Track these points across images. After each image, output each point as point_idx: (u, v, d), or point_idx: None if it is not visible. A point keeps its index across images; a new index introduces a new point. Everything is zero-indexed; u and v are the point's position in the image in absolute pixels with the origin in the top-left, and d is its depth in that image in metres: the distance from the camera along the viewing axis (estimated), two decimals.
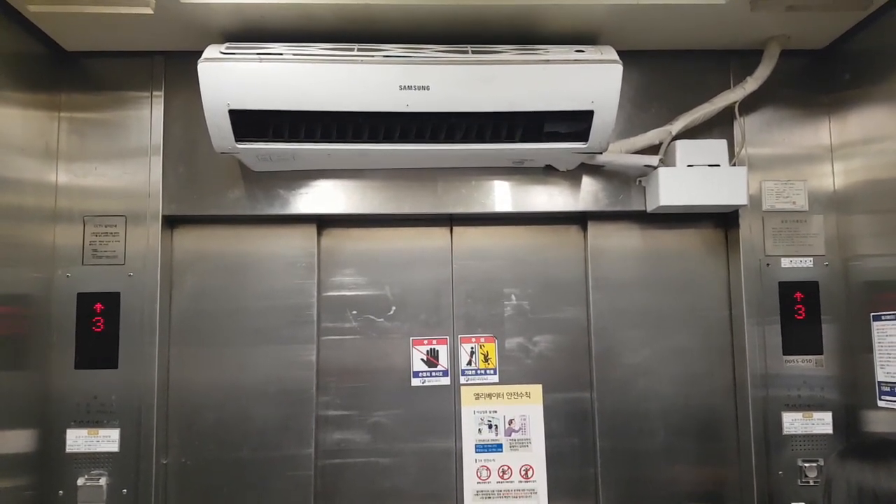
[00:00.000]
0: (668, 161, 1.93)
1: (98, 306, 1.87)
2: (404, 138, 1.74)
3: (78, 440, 1.84)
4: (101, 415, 1.85)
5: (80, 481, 1.82)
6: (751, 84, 1.94)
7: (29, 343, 1.79)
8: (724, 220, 2.07)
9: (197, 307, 1.99)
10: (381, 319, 2.04)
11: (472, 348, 2.03)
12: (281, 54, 1.67)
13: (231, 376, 1.97)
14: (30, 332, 1.79)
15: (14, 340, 1.73)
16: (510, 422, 2.01)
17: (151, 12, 1.67)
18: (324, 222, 2.05)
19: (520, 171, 1.99)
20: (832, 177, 2.00)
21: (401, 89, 1.67)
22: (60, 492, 1.83)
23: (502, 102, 1.70)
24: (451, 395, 2.02)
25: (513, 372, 2.03)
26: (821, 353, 1.95)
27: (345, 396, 2.01)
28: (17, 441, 1.75)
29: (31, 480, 1.79)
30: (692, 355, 2.04)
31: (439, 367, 2.02)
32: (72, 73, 1.93)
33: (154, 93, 1.94)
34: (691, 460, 2.01)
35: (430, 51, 1.70)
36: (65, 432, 1.84)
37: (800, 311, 1.96)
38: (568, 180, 2.00)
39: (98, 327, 1.86)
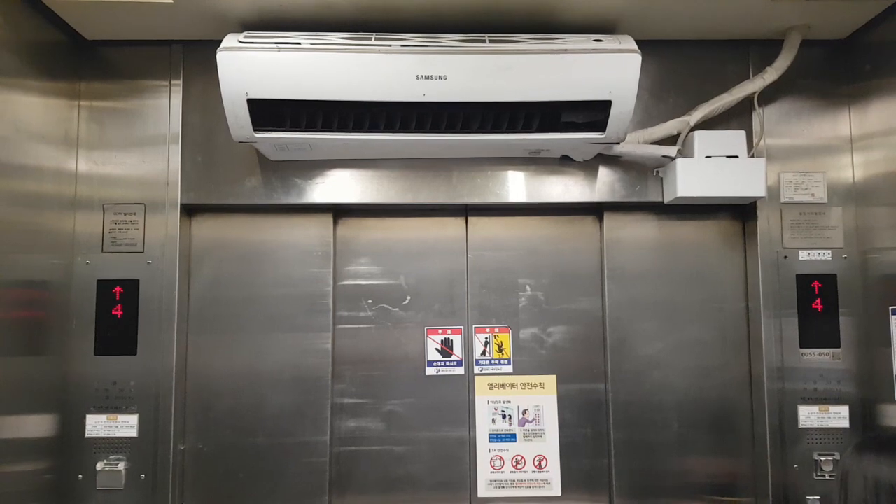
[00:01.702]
0: (686, 152, 1.92)
1: (117, 293, 1.89)
2: (421, 128, 1.74)
3: (97, 425, 1.87)
4: (120, 400, 1.87)
5: (99, 466, 1.84)
6: (770, 74, 1.92)
7: (49, 329, 1.81)
8: (741, 212, 2.06)
9: (214, 295, 2.01)
10: (396, 309, 2.05)
11: (486, 338, 2.04)
12: (299, 44, 1.67)
13: (247, 363, 1.99)
14: (50, 319, 1.81)
15: (34, 326, 1.76)
16: (524, 412, 2.01)
17: (171, 1, 1.68)
18: (340, 211, 2.06)
19: (536, 162, 1.99)
20: (851, 169, 1.98)
21: (418, 79, 1.66)
22: (80, 476, 1.85)
23: (519, 92, 1.69)
24: (466, 384, 2.03)
25: (527, 362, 2.04)
26: (838, 347, 1.93)
27: (360, 385, 2.02)
28: (38, 426, 1.78)
29: (50, 465, 1.82)
30: (708, 347, 2.04)
31: (454, 357, 2.03)
32: (91, 62, 1.95)
33: (173, 81, 1.95)
34: (705, 452, 2.01)
35: (448, 40, 1.70)
36: (84, 417, 1.87)
37: (817, 304, 1.94)
38: (584, 171, 1.99)
39: (117, 314, 1.88)
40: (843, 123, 2.00)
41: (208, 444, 1.97)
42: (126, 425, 1.87)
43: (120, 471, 1.84)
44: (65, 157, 1.89)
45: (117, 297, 1.88)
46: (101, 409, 1.87)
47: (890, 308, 1.81)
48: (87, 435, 1.86)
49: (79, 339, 1.88)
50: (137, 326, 1.88)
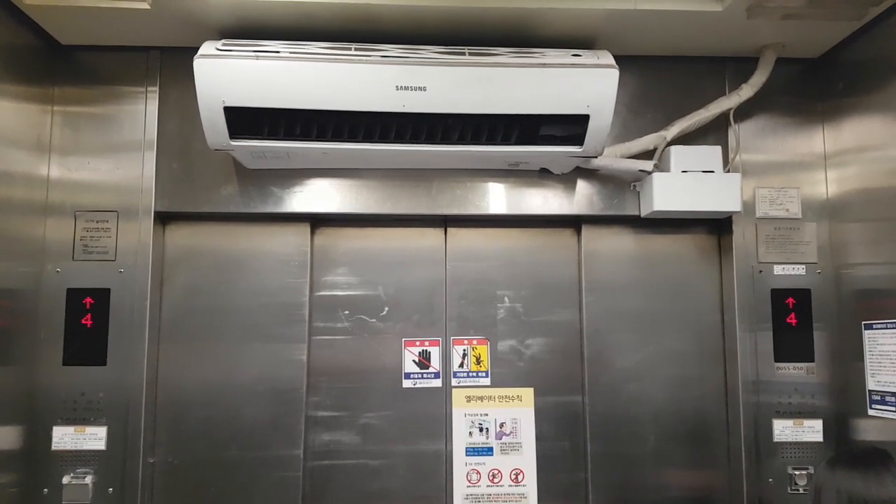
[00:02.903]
0: (662, 166, 1.94)
1: (87, 302, 1.85)
2: (400, 139, 1.74)
3: (64, 438, 1.82)
4: (89, 412, 1.83)
5: (65, 479, 1.80)
6: (746, 91, 1.94)
7: (16, 338, 1.77)
8: (717, 227, 2.08)
9: (188, 304, 1.98)
10: (374, 320, 2.03)
11: (464, 350, 2.03)
12: (278, 52, 1.66)
13: (220, 375, 1.95)
14: (17, 328, 1.77)
15: (1, 335, 1.71)
16: (501, 425, 2.00)
17: (148, 7, 1.67)
18: (317, 221, 2.04)
19: (515, 174, 1.99)
20: (825, 185, 2.01)
21: (397, 90, 1.67)
22: (45, 490, 1.81)
23: (498, 105, 1.70)
24: (443, 397, 2.01)
25: (505, 374, 2.03)
26: (812, 361, 1.95)
27: (335, 397, 1.99)
28: (3, 438, 1.73)
29: (15, 478, 1.77)
30: (684, 360, 2.04)
31: (431, 369, 2.02)
32: (66, 67, 1.92)
33: (149, 88, 1.93)
34: (682, 465, 2.01)
35: (428, 52, 1.70)
36: (51, 429, 1.82)
37: (792, 319, 1.96)
38: (563, 184, 2.00)
39: (87, 323, 1.84)
40: (817, 140, 2.03)
41: (179, 458, 1.93)
42: (94, 438, 1.82)
43: (87, 484, 1.80)
44: (36, 163, 1.86)
45: (87, 307, 1.85)
46: (68, 421, 1.83)
47: (863, 323, 1.84)
48: (53, 447, 1.82)
49: (47, 348, 1.84)
50: (108, 336, 1.84)
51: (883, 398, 1.76)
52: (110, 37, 1.88)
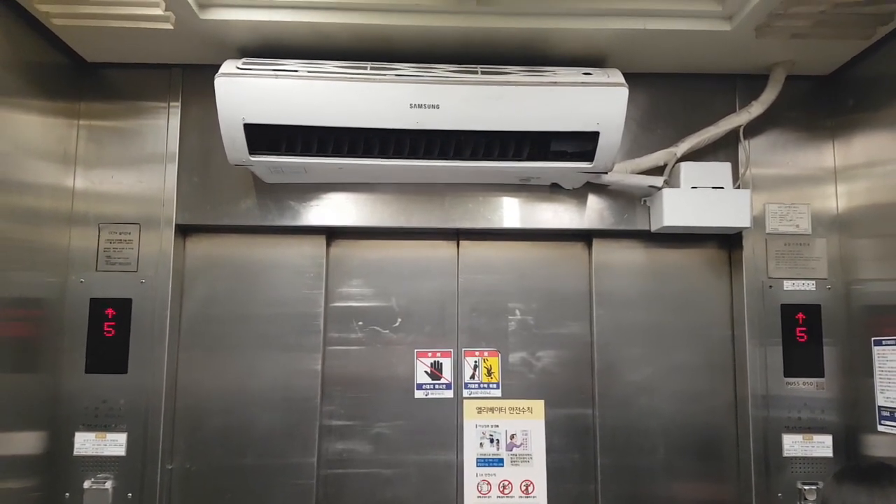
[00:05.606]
0: (672, 182, 1.96)
1: (110, 312, 1.90)
2: (414, 155, 1.78)
3: (86, 443, 1.87)
4: (110, 419, 1.88)
5: (86, 484, 1.84)
6: (756, 108, 1.96)
7: (41, 346, 1.82)
8: (727, 242, 2.09)
9: (206, 314, 2.02)
10: (387, 331, 2.07)
11: (475, 362, 2.06)
12: (296, 71, 1.71)
13: (237, 383, 2.00)
14: (42, 336, 1.82)
15: (26, 343, 1.76)
16: (512, 436, 2.02)
17: (171, 27, 1.72)
18: (333, 234, 2.08)
19: (526, 189, 2.02)
20: (835, 200, 2.02)
21: (411, 107, 1.70)
22: (67, 494, 1.85)
23: (510, 122, 1.73)
24: (454, 408, 2.04)
25: (515, 386, 2.05)
26: (822, 376, 1.96)
27: (349, 406, 2.03)
28: (26, 443, 1.78)
29: (38, 482, 1.81)
30: (694, 374, 2.06)
31: (443, 380, 2.05)
32: (92, 83, 1.98)
33: (171, 103, 1.99)
34: (691, 479, 2.02)
35: (441, 71, 1.74)
36: (73, 435, 1.87)
37: (801, 334, 1.97)
38: (574, 199, 2.03)
39: (109, 332, 1.89)
40: (827, 156, 2.04)
41: (196, 464, 1.97)
42: (114, 444, 1.87)
43: (107, 489, 1.84)
44: (62, 175, 1.92)
45: (110, 316, 1.90)
46: (90, 428, 1.87)
47: (872, 339, 1.84)
48: (75, 453, 1.87)
49: (70, 356, 1.89)
50: (129, 345, 1.89)
51: (892, 414, 1.77)
52: (134, 55, 1.94)
